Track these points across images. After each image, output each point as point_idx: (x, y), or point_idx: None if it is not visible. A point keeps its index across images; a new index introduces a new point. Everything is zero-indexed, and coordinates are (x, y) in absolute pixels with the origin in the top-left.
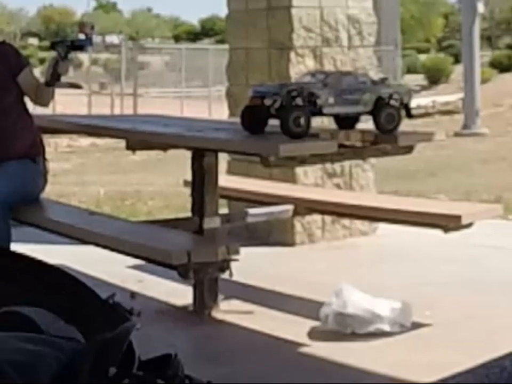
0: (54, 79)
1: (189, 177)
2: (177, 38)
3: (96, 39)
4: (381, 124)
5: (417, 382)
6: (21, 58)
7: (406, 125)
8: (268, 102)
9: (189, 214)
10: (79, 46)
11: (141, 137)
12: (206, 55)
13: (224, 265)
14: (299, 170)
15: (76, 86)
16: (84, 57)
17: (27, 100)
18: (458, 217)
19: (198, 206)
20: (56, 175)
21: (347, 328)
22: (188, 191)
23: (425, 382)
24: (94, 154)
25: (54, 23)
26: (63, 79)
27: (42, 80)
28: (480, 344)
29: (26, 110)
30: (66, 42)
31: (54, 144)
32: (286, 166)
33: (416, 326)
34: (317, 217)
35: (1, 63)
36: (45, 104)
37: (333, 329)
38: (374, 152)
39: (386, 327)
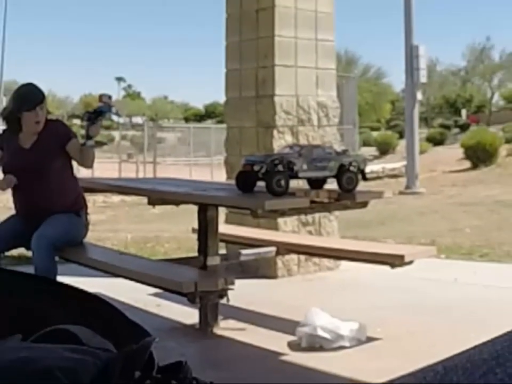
0: (86, 139)
1: (196, 225)
2: (187, 119)
3: (125, 120)
4: (343, 185)
5: (370, 383)
6: (68, 132)
7: (362, 186)
8: (256, 168)
9: (196, 254)
10: (100, 112)
11: (159, 195)
12: (209, 132)
13: (223, 293)
14: (280, 220)
15: (102, 143)
16: (115, 134)
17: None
18: (402, 256)
19: (203, 248)
20: (94, 224)
21: (317, 345)
22: (195, 236)
23: (377, 383)
24: (124, 208)
25: (92, 108)
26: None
27: None
28: (420, 353)
29: (72, 173)
30: (90, 111)
31: (92, 200)
32: (270, 217)
33: (370, 340)
34: (294, 256)
35: (53, 136)
36: (89, 166)
37: (306, 348)
38: (337, 207)
39: (346, 344)
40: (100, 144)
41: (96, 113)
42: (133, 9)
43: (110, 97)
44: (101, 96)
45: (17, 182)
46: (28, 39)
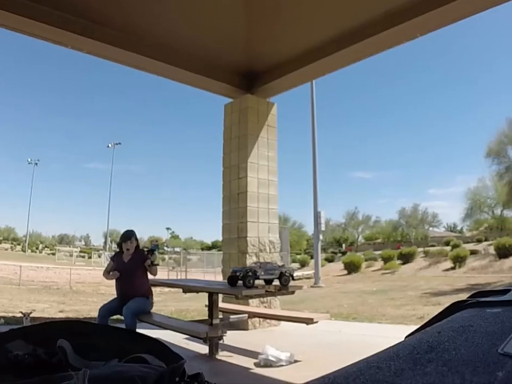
0: (151, 264)
1: (207, 303)
2: (202, 249)
3: (170, 249)
4: (282, 282)
5: (297, 383)
6: (146, 256)
7: (292, 283)
8: (238, 274)
9: (207, 318)
10: (152, 250)
11: (188, 288)
12: (213, 256)
13: (221, 337)
14: (250, 300)
15: (158, 264)
16: (166, 256)
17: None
18: (312, 319)
19: (210, 315)
20: (155, 303)
21: (269, 364)
22: (206, 308)
23: (300, 383)
24: (170, 294)
25: (149, 247)
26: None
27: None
28: (323, 368)
29: (147, 276)
30: (148, 249)
31: (154, 290)
32: (244, 299)
33: (296, 361)
34: (257, 319)
35: (139, 257)
36: (154, 275)
37: (263, 365)
38: (279, 293)
39: (284, 364)
40: (157, 264)
41: (151, 250)
42: (169, 188)
43: (157, 240)
44: (152, 241)
45: (119, 278)
46: (122, 205)
